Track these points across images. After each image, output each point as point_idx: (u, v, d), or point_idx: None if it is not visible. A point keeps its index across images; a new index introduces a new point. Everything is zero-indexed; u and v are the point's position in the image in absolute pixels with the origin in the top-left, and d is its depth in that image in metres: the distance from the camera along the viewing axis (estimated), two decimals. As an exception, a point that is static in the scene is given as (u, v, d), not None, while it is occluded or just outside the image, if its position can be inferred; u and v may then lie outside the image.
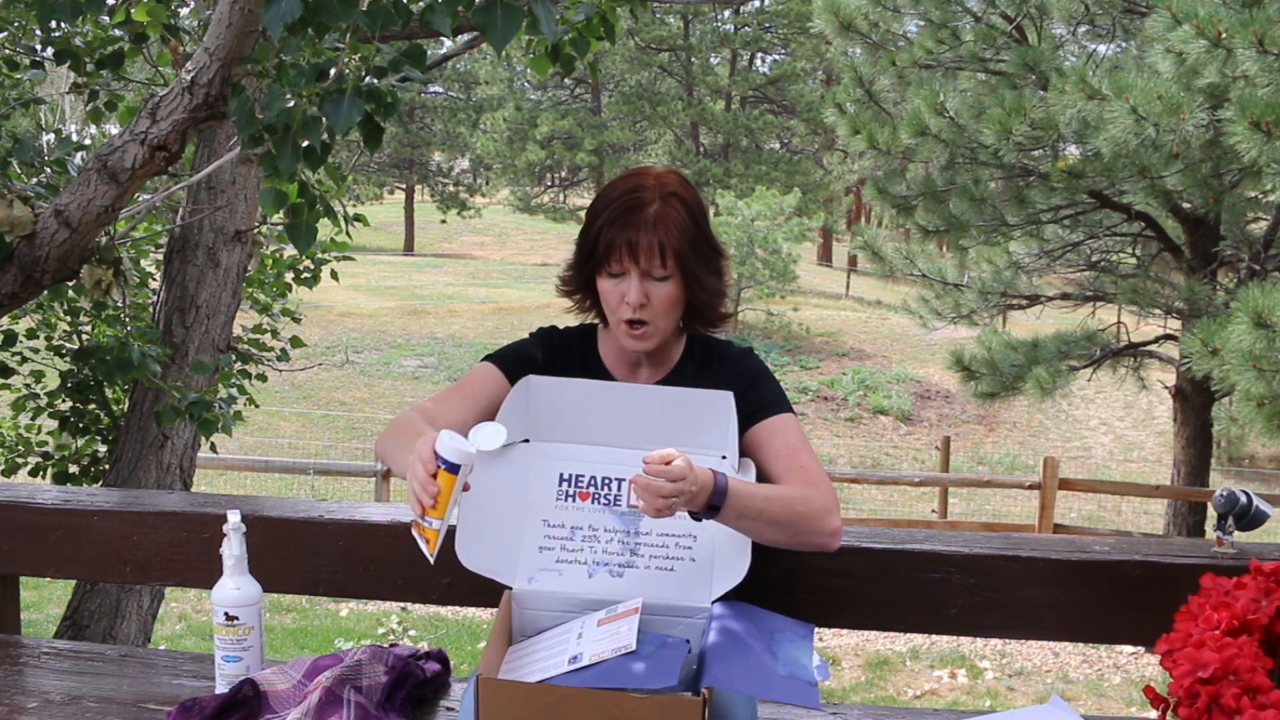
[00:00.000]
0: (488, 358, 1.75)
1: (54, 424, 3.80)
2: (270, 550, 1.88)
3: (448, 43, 4.78)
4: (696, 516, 1.50)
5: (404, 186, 32.31)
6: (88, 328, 3.78)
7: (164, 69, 3.56)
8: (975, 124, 6.73)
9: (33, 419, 3.81)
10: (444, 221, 32.69)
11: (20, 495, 2.10)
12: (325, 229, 3.64)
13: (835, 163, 26.78)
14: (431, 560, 1.46)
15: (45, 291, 2.65)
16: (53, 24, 2.82)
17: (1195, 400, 8.26)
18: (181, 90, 2.23)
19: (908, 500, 12.47)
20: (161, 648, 4.23)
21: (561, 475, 1.65)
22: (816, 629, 1.59)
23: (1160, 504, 9.99)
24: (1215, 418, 8.36)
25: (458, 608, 7.56)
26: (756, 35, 28.70)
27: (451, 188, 32.10)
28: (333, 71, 1.99)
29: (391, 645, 1.80)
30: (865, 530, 1.95)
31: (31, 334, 3.74)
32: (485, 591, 1.64)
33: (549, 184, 33.27)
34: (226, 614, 1.68)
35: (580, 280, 1.71)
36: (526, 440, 1.67)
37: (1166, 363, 8.62)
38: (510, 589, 1.61)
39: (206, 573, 1.85)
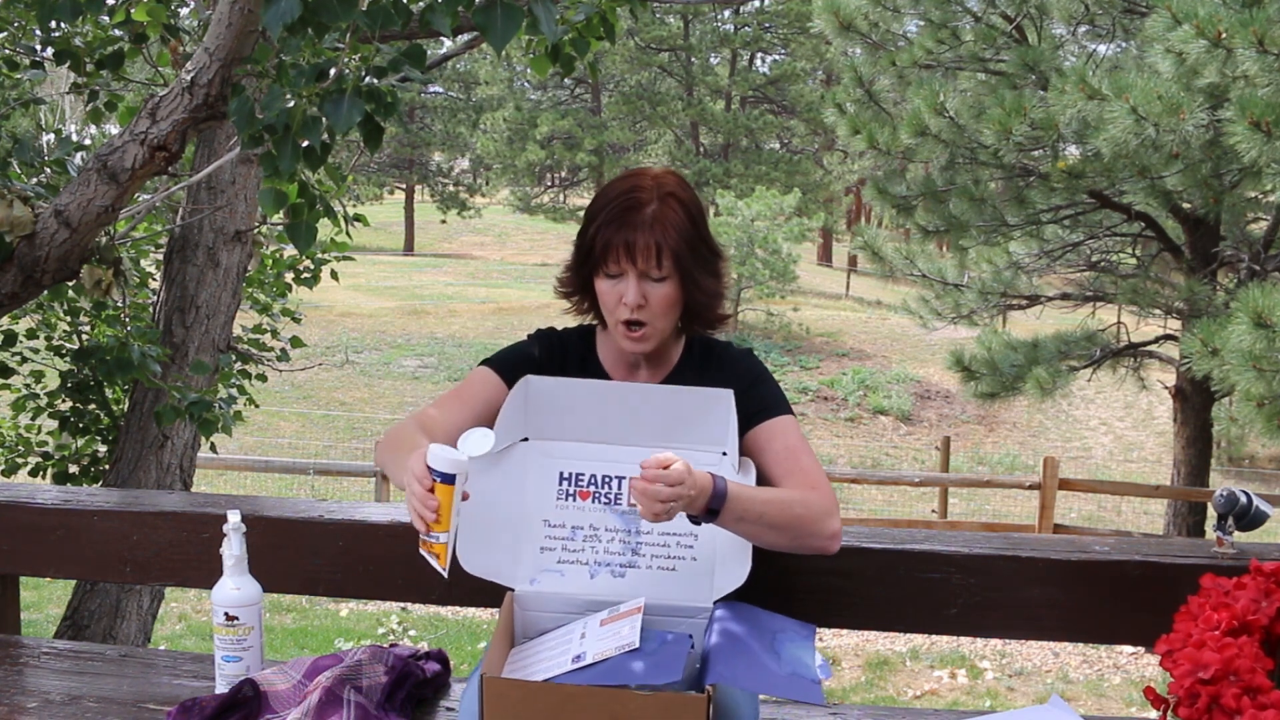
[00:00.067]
0: (485, 362, 1.74)
1: (54, 424, 3.80)
2: (270, 550, 1.88)
3: (448, 43, 4.79)
4: (695, 520, 1.50)
5: (404, 186, 32.29)
6: (88, 328, 3.78)
7: (164, 69, 3.56)
8: (975, 124, 6.73)
9: (33, 419, 3.81)
10: (444, 221, 32.67)
11: (20, 495, 2.10)
12: (325, 229, 3.64)
13: (835, 163, 26.76)
14: (444, 575, 1.43)
15: (45, 291, 2.65)
16: (53, 24, 2.82)
17: (1195, 400, 8.26)
18: (181, 90, 2.23)
19: (908, 500, 12.46)
20: (161, 648, 4.23)
21: (562, 474, 1.65)
22: (817, 629, 1.59)
23: (1160, 504, 9.99)
24: (1215, 418, 8.35)
25: (458, 608, 7.56)
26: (756, 35, 28.68)
27: (451, 188, 32.07)
28: (333, 71, 1.99)
29: (391, 645, 1.80)
30: (865, 530, 1.95)
31: (31, 334, 3.74)
32: (485, 592, 1.64)
33: (549, 184, 33.25)
34: (226, 614, 1.68)
35: (578, 281, 1.71)
36: (526, 439, 1.66)
37: (1166, 363, 8.61)
38: (512, 590, 1.61)
39: (206, 573, 1.85)
